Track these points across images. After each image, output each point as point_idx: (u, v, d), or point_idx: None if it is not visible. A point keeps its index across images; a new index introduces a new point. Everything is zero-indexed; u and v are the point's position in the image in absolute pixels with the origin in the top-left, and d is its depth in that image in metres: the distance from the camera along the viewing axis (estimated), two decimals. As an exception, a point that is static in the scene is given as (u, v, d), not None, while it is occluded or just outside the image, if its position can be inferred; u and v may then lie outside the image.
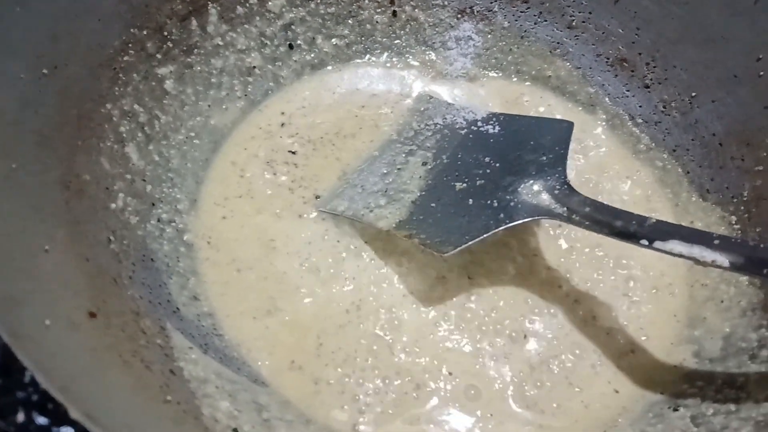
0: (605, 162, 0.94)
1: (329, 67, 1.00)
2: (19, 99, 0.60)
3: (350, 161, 0.89)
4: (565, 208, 0.73)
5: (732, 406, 0.67)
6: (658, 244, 0.65)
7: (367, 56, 1.01)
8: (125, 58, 0.76)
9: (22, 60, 0.61)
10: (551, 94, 1.01)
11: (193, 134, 0.85)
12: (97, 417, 0.41)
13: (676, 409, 0.70)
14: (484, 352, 0.75)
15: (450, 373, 0.73)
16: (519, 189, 0.76)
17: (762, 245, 0.61)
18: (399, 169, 0.85)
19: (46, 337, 0.48)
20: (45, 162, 0.62)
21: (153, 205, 0.77)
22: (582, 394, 0.73)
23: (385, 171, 0.85)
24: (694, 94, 0.91)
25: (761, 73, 0.82)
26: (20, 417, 0.39)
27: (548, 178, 0.76)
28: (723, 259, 0.61)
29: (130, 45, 0.77)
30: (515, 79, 1.02)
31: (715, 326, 0.77)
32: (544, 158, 0.79)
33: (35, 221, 0.57)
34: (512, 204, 0.75)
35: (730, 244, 0.63)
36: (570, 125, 0.83)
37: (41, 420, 0.39)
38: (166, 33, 0.82)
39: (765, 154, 0.81)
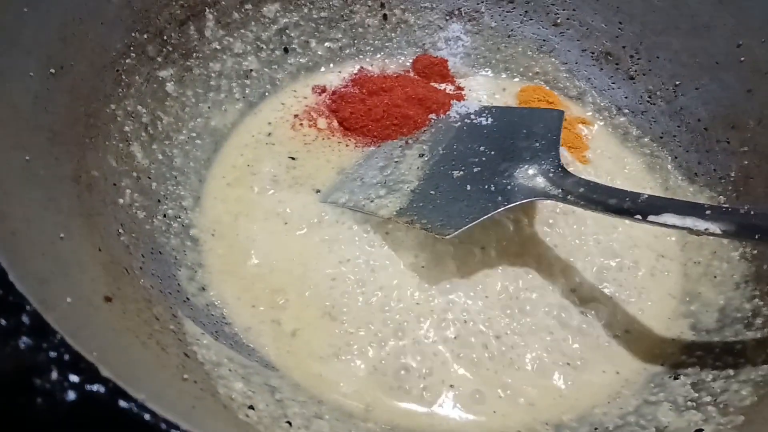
0: (594, 153, 0.97)
1: (322, 69, 1.03)
2: (31, 96, 0.62)
3: (343, 163, 0.91)
4: (560, 189, 0.75)
5: (731, 371, 0.69)
6: (651, 217, 0.67)
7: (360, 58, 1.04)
8: (128, 61, 0.78)
9: (33, 59, 0.63)
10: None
11: (194, 134, 0.88)
12: (126, 378, 0.43)
13: (676, 378, 0.72)
14: (486, 333, 0.76)
15: (454, 348, 0.75)
16: (515, 173, 0.78)
17: (752, 212, 0.63)
18: (396, 162, 0.87)
19: (69, 312, 0.49)
20: (57, 157, 0.63)
21: (159, 201, 0.79)
22: (585, 370, 0.75)
23: (382, 164, 0.87)
24: (678, 82, 0.94)
25: (742, 58, 0.85)
26: (54, 375, 0.40)
27: (542, 162, 0.78)
28: (715, 227, 0.64)
29: (132, 48, 0.79)
30: (504, 77, 1.06)
31: (710, 300, 0.80)
32: (537, 144, 0.81)
33: (51, 211, 0.59)
34: (509, 187, 0.77)
35: (721, 212, 0.65)
36: (560, 113, 0.86)
37: (74, 378, 0.41)
38: (165, 37, 0.84)
39: (750, 135, 0.84)
